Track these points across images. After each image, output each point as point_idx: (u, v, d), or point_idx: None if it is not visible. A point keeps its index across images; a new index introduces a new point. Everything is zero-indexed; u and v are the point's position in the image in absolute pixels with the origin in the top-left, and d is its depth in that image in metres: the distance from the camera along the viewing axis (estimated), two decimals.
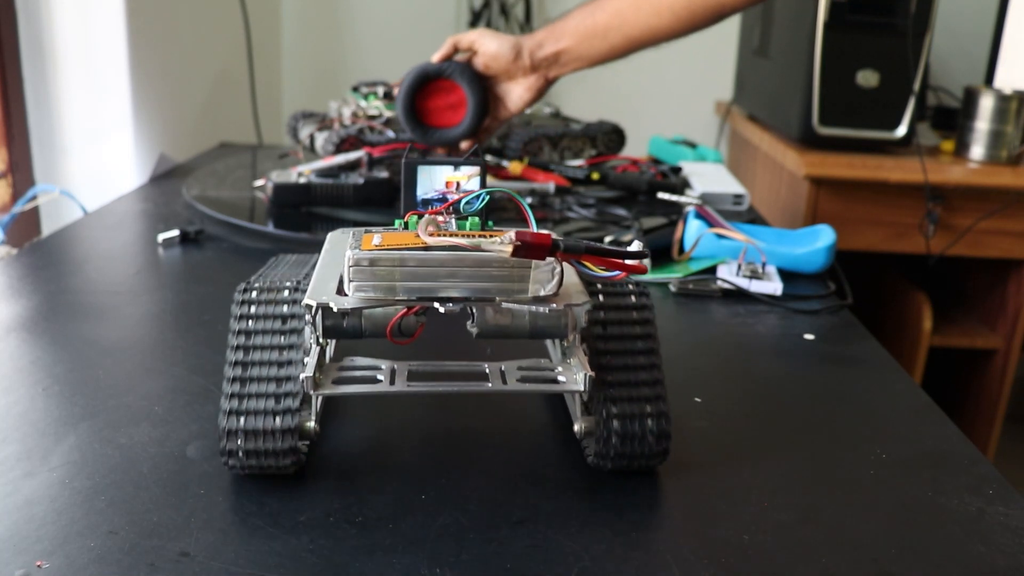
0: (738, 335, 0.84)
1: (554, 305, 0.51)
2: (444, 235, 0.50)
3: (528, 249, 0.48)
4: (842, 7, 1.60)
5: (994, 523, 0.54)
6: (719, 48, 2.23)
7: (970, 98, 1.74)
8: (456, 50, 1.07)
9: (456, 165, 0.58)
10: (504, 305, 0.51)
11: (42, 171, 1.33)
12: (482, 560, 0.49)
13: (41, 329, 0.77)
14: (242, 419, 0.53)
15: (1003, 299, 1.82)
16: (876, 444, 0.64)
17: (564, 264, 0.51)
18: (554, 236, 0.49)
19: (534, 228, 0.56)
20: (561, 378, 0.56)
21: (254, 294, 0.59)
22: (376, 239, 0.51)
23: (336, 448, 0.59)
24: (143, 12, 1.35)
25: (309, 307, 0.51)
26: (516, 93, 1.07)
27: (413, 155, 0.59)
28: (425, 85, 1.07)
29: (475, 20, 2.31)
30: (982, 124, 1.71)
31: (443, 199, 0.56)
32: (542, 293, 0.51)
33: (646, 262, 0.98)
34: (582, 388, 0.54)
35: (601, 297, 0.59)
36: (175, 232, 1.03)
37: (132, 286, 0.89)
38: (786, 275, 0.97)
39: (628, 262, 0.52)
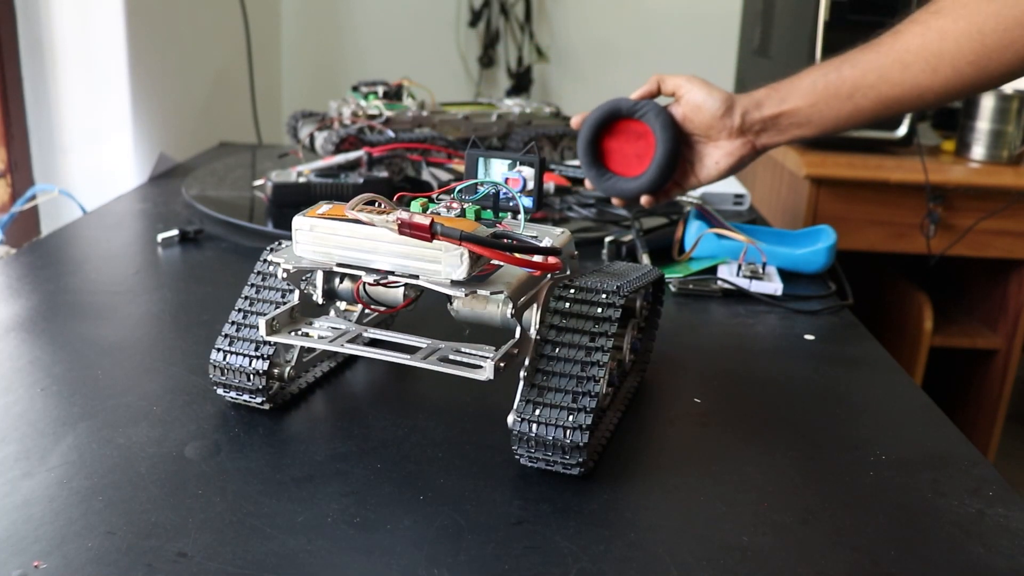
0: (738, 335, 0.84)
1: (462, 291, 0.53)
2: (369, 212, 0.53)
3: (410, 228, 0.51)
4: (843, 7, 1.60)
5: (994, 525, 0.54)
6: (719, 48, 2.23)
7: (971, 98, 1.73)
8: (659, 91, 0.93)
9: (514, 160, 0.64)
10: (422, 282, 0.53)
11: (41, 171, 1.33)
12: (480, 561, 0.48)
13: (40, 329, 0.77)
14: (226, 357, 0.62)
15: (1004, 299, 1.82)
16: (876, 445, 0.63)
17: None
18: (434, 221, 0.51)
19: (522, 217, 0.60)
20: (481, 364, 0.55)
21: (270, 256, 0.64)
22: (323, 208, 0.56)
23: (334, 449, 0.59)
24: (143, 12, 1.35)
25: (276, 264, 0.58)
26: (713, 158, 0.90)
27: (476, 147, 0.66)
28: (614, 123, 0.93)
29: (475, 20, 2.31)
30: (983, 124, 1.70)
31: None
32: (454, 277, 0.52)
33: (652, 261, 0.98)
34: (486, 377, 0.54)
35: (569, 300, 0.58)
36: (174, 232, 1.03)
37: (131, 286, 0.89)
38: (786, 275, 0.97)
39: (520, 256, 0.52)
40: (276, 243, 0.65)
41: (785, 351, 0.81)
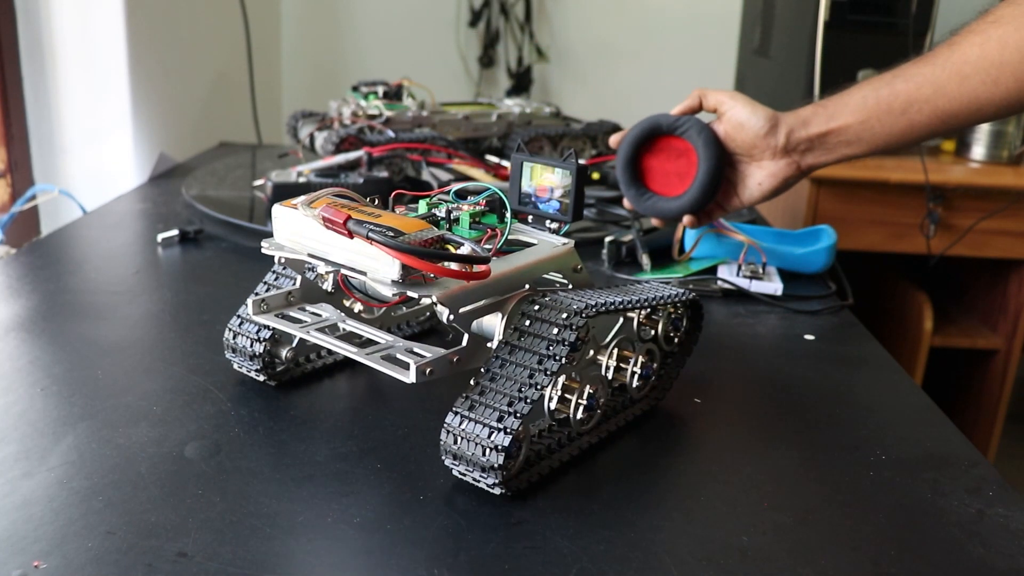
0: (738, 335, 0.84)
1: (395, 290, 0.54)
2: (324, 207, 0.54)
3: (330, 222, 0.52)
4: (842, 7, 1.60)
5: (994, 525, 0.54)
6: (719, 48, 2.23)
7: None
8: (700, 106, 0.89)
9: (555, 167, 0.64)
10: (367, 279, 0.54)
11: (41, 171, 1.33)
12: (480, 561, 0.48)
13: (40, 329, 0.77)
14: (233, 336, 0.67)
15: (1003, 299, 1.82)
16: (876, 445, 0.63)
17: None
18: (349, 216, 0.52)
19: (508, 223, 0.60)
20: (413, 365, 0.54)
21: (262, 242, 0.65)
22: (300, 200, 0.57)
23: (334, 449, 0.59)
24: (143, 12, 1.35)
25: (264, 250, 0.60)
26: (756, 178, 0.87)
27: (522, 151, 0.66)
28: (654, 140, 0.90)
29: (475, 20, 2.31)
30: (983, 124, 1.70)
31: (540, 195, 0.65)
32: (391, 276, 0.52)
33: (652, 261, 0.98)
34: (410, 380, 0.53)
35: (537, 304, 0.57)
36: (174, 232, 1.03)
37: (131, 286, 0.89)
38: (787, 275, 0.97)
39: (437, 264, 0.51)
40: None
41: (785, 351, 0.81)
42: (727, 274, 0.95)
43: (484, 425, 0.52)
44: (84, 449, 0.58)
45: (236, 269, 0.95)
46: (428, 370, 0.54)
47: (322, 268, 0.58)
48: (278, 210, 0.57)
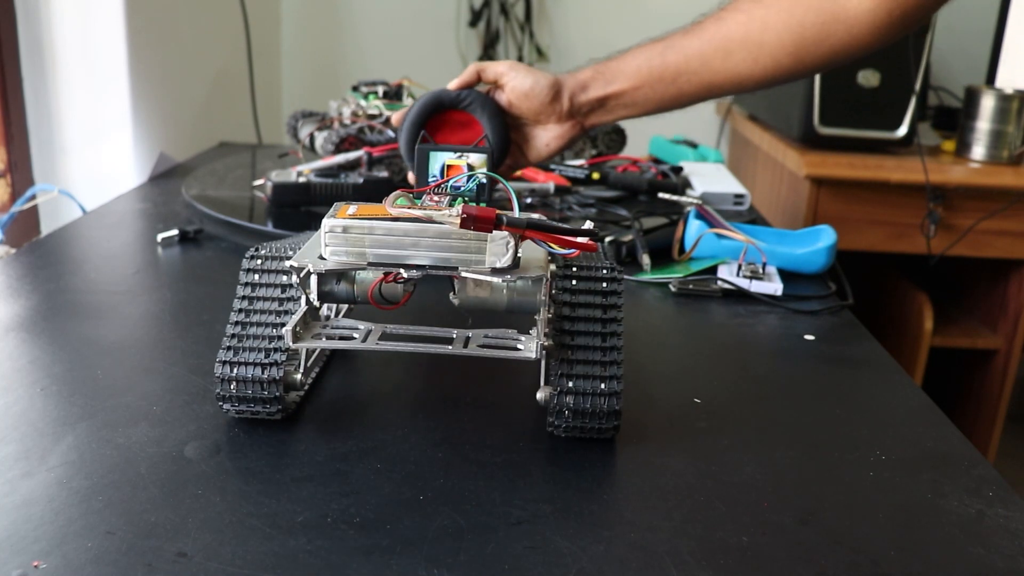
0: (738, 335, 0.84)
1: (509, 277, 0.55)
2: (407, 208, 0.54)
3: (474, 221, 0.52)
4: None
5: (994, 525, 0.54)
6: None
7: (971, 98, 1.73)
8: (478, 80, 0.92)
9: (465, 152, 0.66)
10: (463, 274, 0.55)
11: (41, 170, 1.33)
12: (480, 561, 0.48)
13: (40, 329, 0.77)
14: (235, 369, 0.60)
15: (1004, 299, 1.82)
16: (876, 445, 0.63)
17: (532, 242, 0.56)
18: (498, 211, 0.53)
19: (516, 210, 0.60)
20: (520, 346, 0.58)
21: (259, 262, 0.64)
22: (351, 209, 0.56)
23: (334, 449, 0.59)
24: (143, 12, 1.35)
25: (293, 268, 0.57)
26: (543, 140, 0.91)
27: (427, 142, 0.67)
28: (437, 115, 0.90)
29: (475, 20, 2.31)
30: (983, 124, 1.70)
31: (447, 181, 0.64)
32: (498, 265, 0.54)
33: (652, 261, 0.98)
34: (534, 356, 0.57)
35: (574, 278, 0.61)
36: (174, 232, 1.03)
37: (131, 286, 0.89)
38: (786, 275, 0.97)
39: (578, 240, 0.55)
40: (254, 250, 0.64)
41: (785, 351, 0.81)
42: (727, 274, 0.95)
43: (598, 378, 0.58)
44: (84, 449, 0.58)
45: (236, 269, 0.94)
46: (545, 344, 0.57)
47: (406, 273, 0.56)
48: (333, 223, 0.55)
